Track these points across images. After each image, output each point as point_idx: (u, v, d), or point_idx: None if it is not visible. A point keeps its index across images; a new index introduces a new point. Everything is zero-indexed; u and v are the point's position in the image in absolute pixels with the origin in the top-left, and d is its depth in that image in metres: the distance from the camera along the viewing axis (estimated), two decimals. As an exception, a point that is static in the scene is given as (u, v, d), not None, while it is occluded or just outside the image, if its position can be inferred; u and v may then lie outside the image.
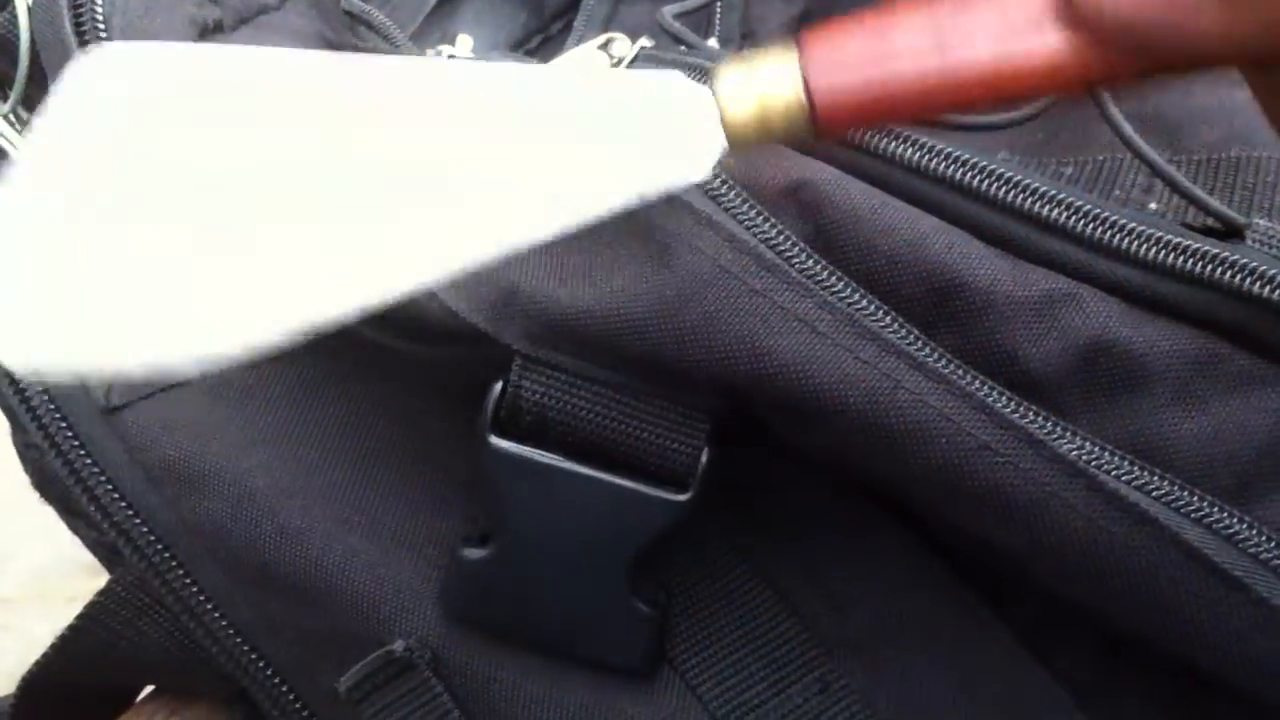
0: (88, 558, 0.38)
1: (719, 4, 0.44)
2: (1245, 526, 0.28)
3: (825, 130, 0.24)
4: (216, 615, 0.33)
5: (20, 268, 0.22)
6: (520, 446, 0.30)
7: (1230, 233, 0.30)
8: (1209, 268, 0.29)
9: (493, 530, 0.31)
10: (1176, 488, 0.28)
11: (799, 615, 0.32)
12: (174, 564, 0.33)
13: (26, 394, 0.33)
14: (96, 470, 0.33)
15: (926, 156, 0.31)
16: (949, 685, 0.31)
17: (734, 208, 0.30)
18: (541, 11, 0.47)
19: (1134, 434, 0.29)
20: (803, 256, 0.29)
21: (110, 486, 0.33)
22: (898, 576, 0.31)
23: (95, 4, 0.32)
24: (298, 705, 0.34)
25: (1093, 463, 0.28)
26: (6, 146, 0.38)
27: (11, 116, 0.38)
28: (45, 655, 0.36)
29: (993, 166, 0.30)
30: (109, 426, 0.33)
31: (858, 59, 0.23)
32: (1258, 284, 0.29)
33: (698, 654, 0.32)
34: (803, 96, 0.23)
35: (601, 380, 0.30)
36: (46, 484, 0.37)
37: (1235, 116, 0.37)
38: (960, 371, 0.28)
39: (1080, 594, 0.28)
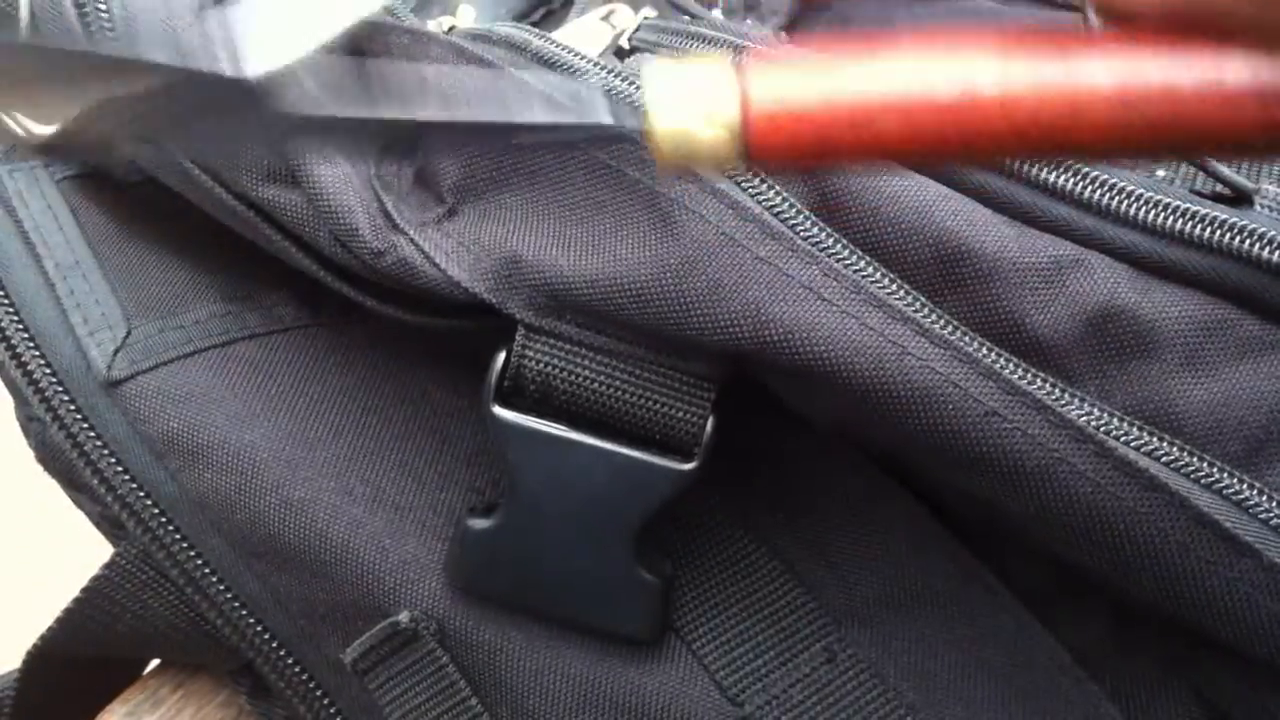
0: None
1: (723, -25, 0.43)
2: (1255, 492, 0.27)
3: (758, 149, 0.21)
4: (221, 588, 0.33)
5: None
6: (525, 417, 0.30)
7: (1239, 198, 0.30)
8: (1218, 233, 0.29)
9: (498, 500, 0.31)
10: (1186, 453, 0.28)
11: (805, 584, 0.31)
12: (178, 537, 0.33)
13: (29, 367, 0.33)
14: (99, 443, 0.33)
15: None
16: (957, 654, 0.31)
17: (738, 175, 0.30)
18: (544, -17, 0.47)
19: (1143, 400, 0.28)
20: (808, 224, 0.29)
21: (113, 459, 0.33)
22: (904, 545, 0.31)
23: (94, -24, 0.32)
24: (303, 677, 0.34)
25: (1101, 428, 0.28)
26: (6, 120, 0.38)
27: (12, 91, 0.38)
28: (50, 629, 0.36)
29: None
30: (111, 399, 0.33)
31: (805, 73, 0.21)
32: (1267, 249, 0.28)
33: (704, 623, 0.32)
34: (736, 112, 0.21)
35: (605, 349, 0.30)
36: (49, 458, 0.37)
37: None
38: (967, 338, 0.28)
39: (1089, 560, 0.28)
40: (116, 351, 0.33)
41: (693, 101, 0.21)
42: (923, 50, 0.21)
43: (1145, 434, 0.28)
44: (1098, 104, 0.20)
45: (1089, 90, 0.20)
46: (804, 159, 0.21)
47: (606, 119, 0.23)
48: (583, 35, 0.37)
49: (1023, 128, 0.20)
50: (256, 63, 0.30)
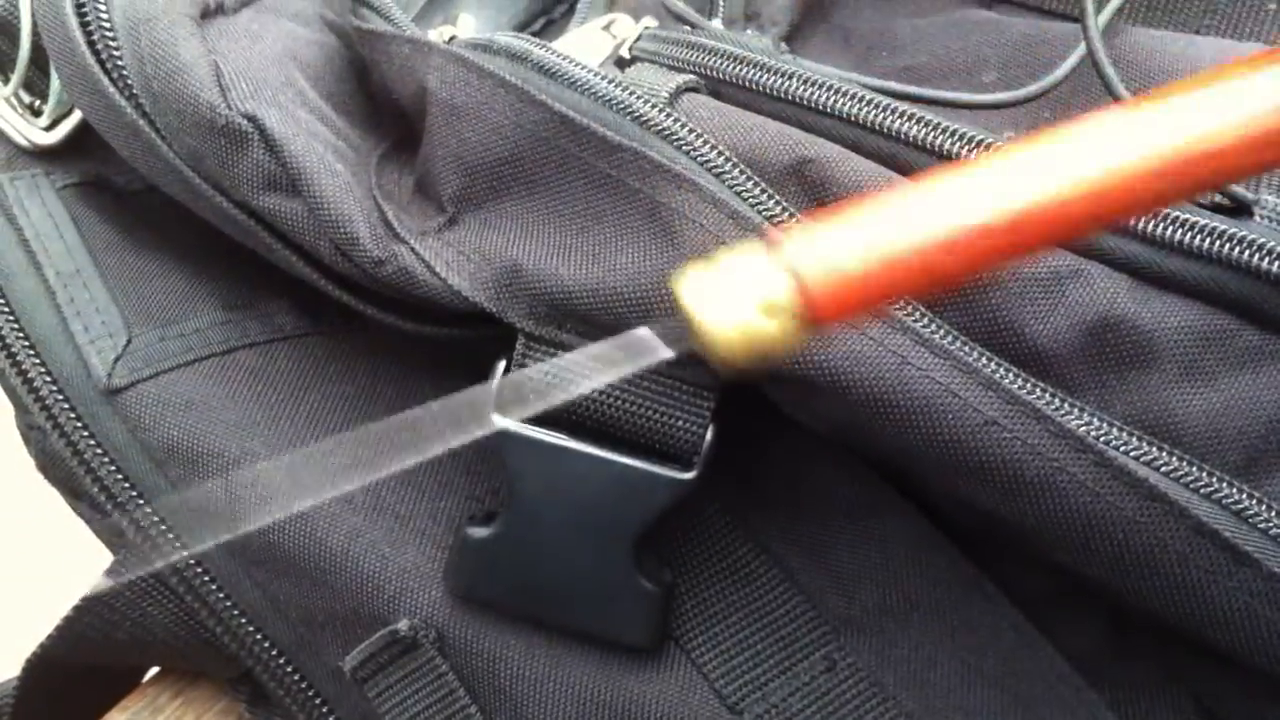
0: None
1: (723, -16, 0.43)
2: (1254, 502, 0.27)
3: (822, 319, 0.21)
4: (221, 596, 0.33)
5: None
6: (524, 425, 0.30)
7: (1239, 209, 0.30)
8: (1218, 244, 0.29)
9: (497, 509, 0.31)
10: (1185, 463, 0.28)
11: (805, 593, 0.31)
12: (177, 544, 0.33)
13: (29, 375, 0.33)
14: (99, 451, 0.33)
15: (933, 133, 0.31)
16: (956, 663, 0.31)
17: (739, 185, 0.30)
18: (544, -7, 0.47)
19: (1142, 410, 0.28)
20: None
21: (113, 467, 0.33)
22: (903, 553, 0.31)
23: (96, -14, 0.32)
24: (303, 685, 0.34)
25: (1101, 438, 0.28)
26: (7, 128, 0.38)
27: (13, 99, 0.38)
28: (50, 637, 0.36)
29: (1000, 143, 0.30)
30: (111, 407, 0.33)
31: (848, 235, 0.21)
32: (1266, 260, 0.28)
33: (703, 632, 0.32)
34: (792, 296, 0.20)
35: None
36: (50, 466, 0.37)
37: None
38: (967, 348, 0.28)
39: (1088, 569, 0.28)
40: (117, 360, 0.33)
41: (745, 301, 0.21)
42: (944, 179, 0.21)
43: (1144, 444, 0.28)
44: (1119, 185, 0.20)
45: (1118, 172, 0.20)
46: (867, 308, 0.21)
47: (666, 352, 0.22)
48: (583, 45, 0.37)
49: (1061, 226, 0.20)
50: (238, 97, 0.31)
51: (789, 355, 0.21)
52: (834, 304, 0.20)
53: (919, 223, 0.20)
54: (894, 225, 0.20)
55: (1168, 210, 0.29)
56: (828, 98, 0.32)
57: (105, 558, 0.36)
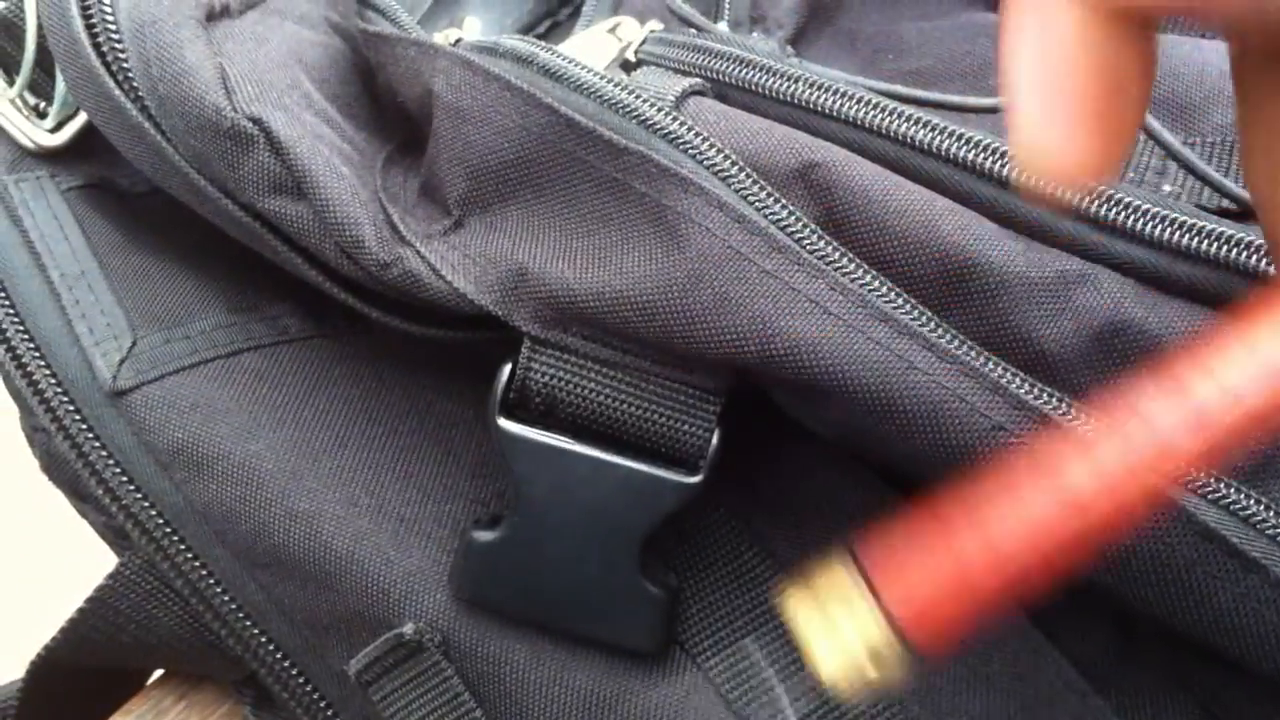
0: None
1: (729, -14, 0.43)
2: (1262, 508, 0.27)
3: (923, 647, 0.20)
4: (225, 598, 0.33)
5: None
6: (530, 429, 0.30)
7: (1245, 214, 0.30)
8: (1224, 249, 0.29)
9: (502, 512, 0.31)
10: (1192, 468, 0.28)
11: (810, 598, 0.31)
12: (182, 547, 0.33)
13: (34, 377, 0.33)
14: (104, 453, 0.33)
15: (939, 138, 0.30)
16: (962, 668, 0.31)
17: (744, 189, 0.30)
18: (549, -5, 0.47)
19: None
20: (814, 238, 0.29)
21: (118, 469, 0.33)
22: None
23: (101, -13, 0.32)
24: (308, 688, 0.34)
25: (1108, 444, 0.27)
26: (12, 130, 0.38)
27: (18, 101, 0.38)
28: (54, 639, 0.36)
29: (1006, 148, 0.30)
30: (116, 409, 0.33)
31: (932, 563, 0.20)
32: (1273, 265, 0.28)
33: (709, 636, 0.32)
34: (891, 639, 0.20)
35: (611, 362, 0.30)
36: (54, 468, 0.37)
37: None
38: (974, 353, 0.28)
39: (1093, 575, 0.28)
40: (122, 362, 0.33)
41: (853, 650, 0.20)
42: (1013, 488, 0.20)
43: (1152, 449, 0.28)
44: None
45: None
46: (963, 624, 0.20)
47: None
48: (589, 48, 0.37)
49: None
50: (244, 100, 0.31)
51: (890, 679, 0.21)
52: (927, 632, 0.20)
53: (987, 542, 0.19)
54: (967, 551, 0.20)
55: (1173, 214, 0.29)
56: (834, 101, 0.32)
57: (110, 560, 0.36)
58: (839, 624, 0.20)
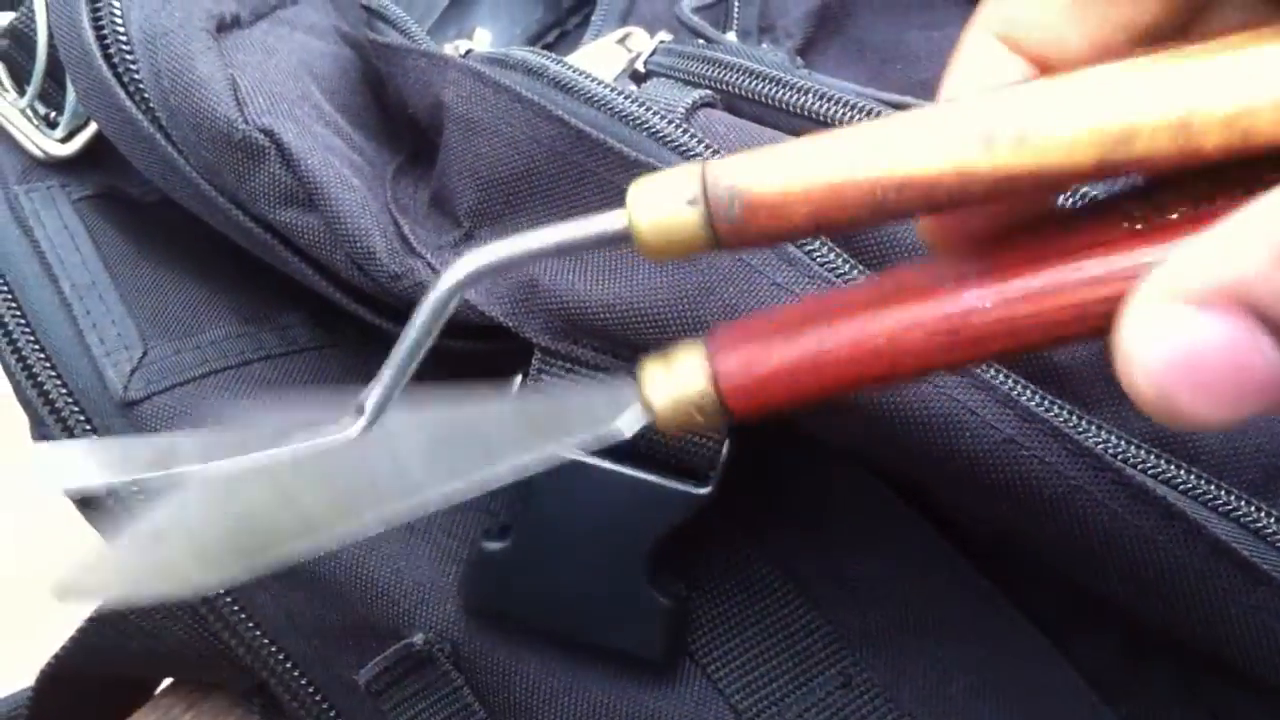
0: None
1: (737, -3, 0.43)
2: (1272, 520, 0.27)
3: (742, 416, 0.22)
4: (235, 608, 0.33)
5: None
6: (540, 440, 0.30)
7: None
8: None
9: (512, 522, 0.31)
10: (1203, 481, 0.28)
11: (821, 609, 0.31)
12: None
13: (45, 387, 0.34)
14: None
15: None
16: (972, 678, 0.31)
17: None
18: (558, 5, 0.47)
19: (1159, 427, 0.28)
20: (824, 249, 0.29)
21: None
22: (918, 569, 0.31)
23: (113, 0, 0.32)
24: (317, 698, 0.34)
25: (1119, 456, 0.28)
26: (23, 140, 0.38)
27: (29, 111, 0.38)
28: (64, 648, 0.36)
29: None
30: (127, 419, 0.33)
31: (763, 341, 0.21)
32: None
33: (719, 647, 0.32)
34: (712, 390, 0.21)
35: (622, 373, 0.30)
36: (65, 477, 0.37)
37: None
38: (984, 365, 0.28)
39: (1105, 587, 0.28)
40: (133, 372, 0.34)
41: (681, 392, 0.22)
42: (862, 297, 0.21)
43: (1163, 461, 0.28)
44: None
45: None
46: (789, 405, 0.21)
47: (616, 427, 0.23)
48: (598, 59, 0.37)
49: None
50: (255, 111, 0.31)
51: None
52: (752, 405, 0.21)
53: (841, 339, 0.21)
54: (819, 336, 0.21)
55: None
56: (843, 113, 0.32)
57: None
58: (676, 374, 0.21)
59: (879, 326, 0.20)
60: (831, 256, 0.29)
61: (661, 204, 0.20)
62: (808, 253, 0.29)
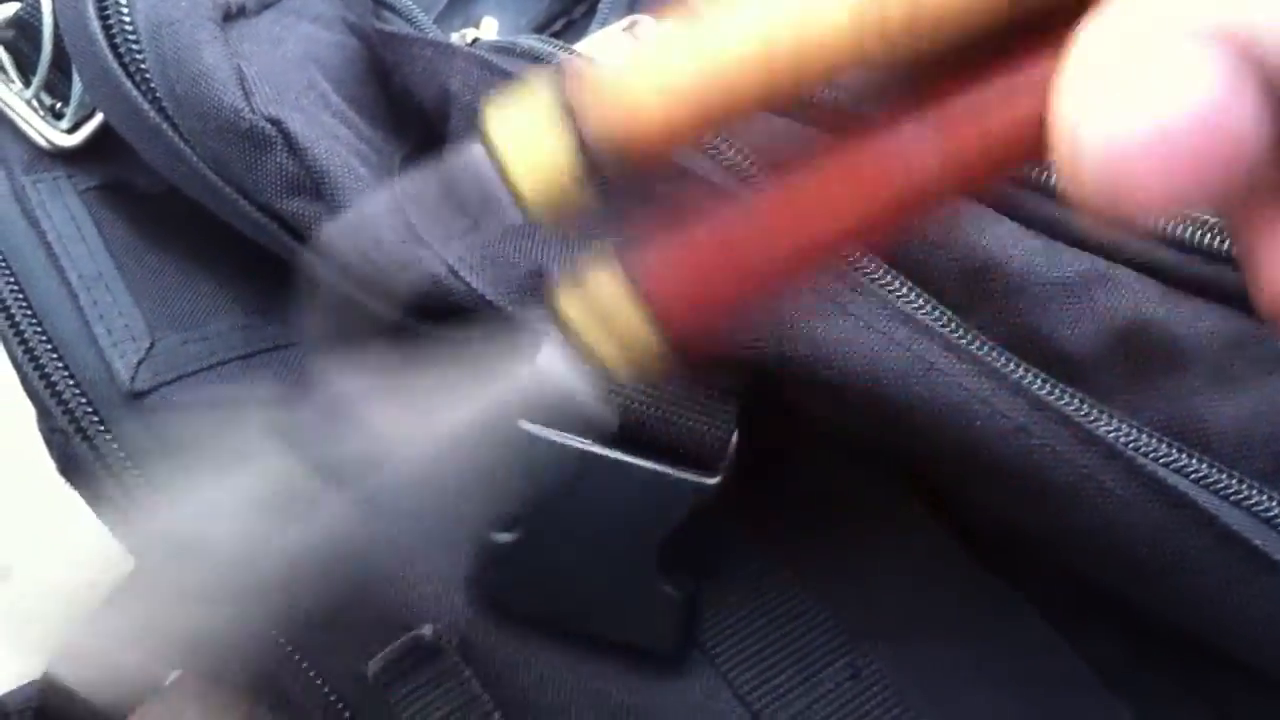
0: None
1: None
2: (1283, 508, 0.27)
3: (679, 336, 0.20)
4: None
5: None
6: (547, 430, 0.30)
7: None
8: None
9: (521, 514, 0.31)
10: (1214, 470, 0.28)
11: (828, 601, 0.31)
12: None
13: (52, 378, 0.33)
14: (122, 455, 0.33)
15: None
16: (978, 671, 0.30)
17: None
18: (565, -6, 0.47)
19: (1171, 415, 0.28)
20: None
21: (136, 471, 0.33)
22: (925, 561, 0.31)
23: (119, -12, 0.32)
24: (325, 690, 0.34)
25: (1130, 445, 0.27)
26: (29, 131, 0.38)
27: (35, 101, 0.38)
28: (72, 639, 0.36)
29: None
30: (134, 410, 0.33)
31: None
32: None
33: (727, 639, 0.31)
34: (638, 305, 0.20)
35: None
36: (72, 469, 0.37)
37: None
38: (995, 353, 0.28)
39: (1114, 578, 0.28)
40: (140, 363, 0.34)
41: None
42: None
43: (1174, 449, 0.28)
44: None
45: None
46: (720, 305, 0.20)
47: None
48: (605, 47, 0.37)
49: None
50: (262, 100, 0.31)
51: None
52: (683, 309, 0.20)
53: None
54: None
55: (1197, 214, 0.29)
56: (848, 95, 0.31)
57: (127, 560, 0.36)
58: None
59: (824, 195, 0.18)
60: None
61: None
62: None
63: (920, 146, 0.17)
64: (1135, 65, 0.14)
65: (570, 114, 0.19)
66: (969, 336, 0.28)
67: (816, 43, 0.17)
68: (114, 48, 0.32)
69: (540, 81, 0.20)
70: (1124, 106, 0.14)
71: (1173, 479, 0.27)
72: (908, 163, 0.18)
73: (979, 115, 0.17)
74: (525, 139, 0.20)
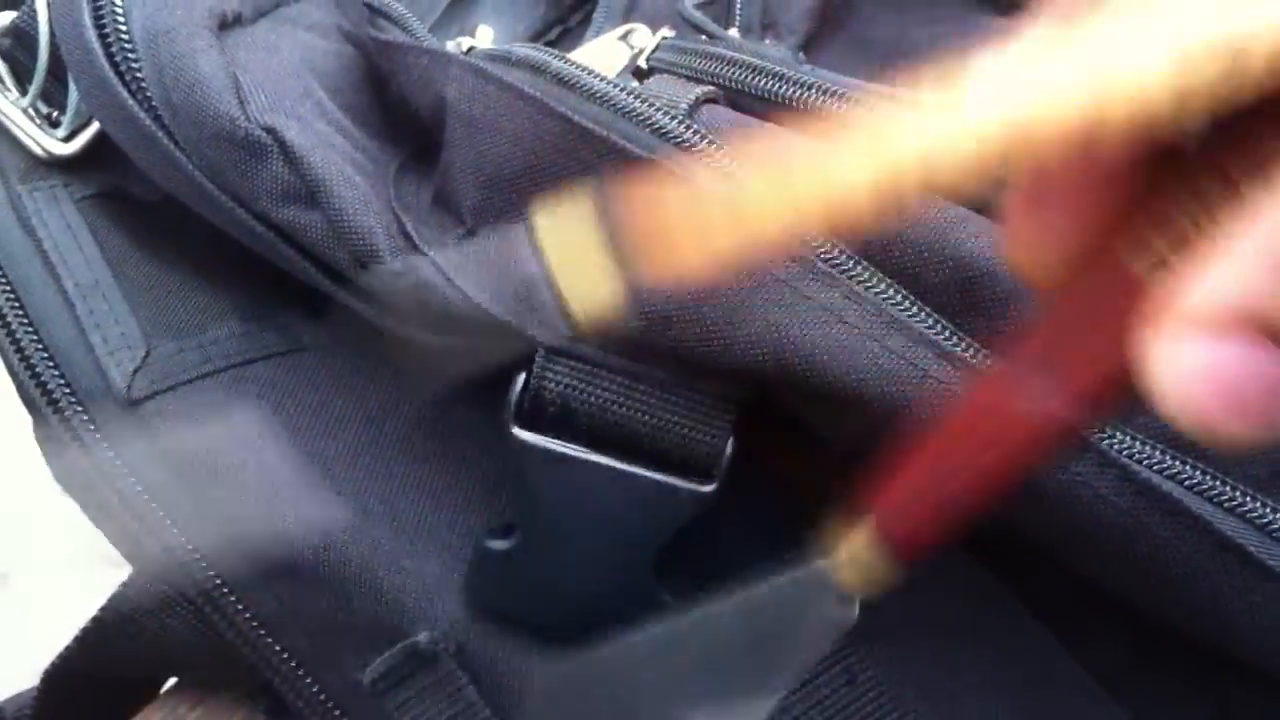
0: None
1: (739, -7, 0.43)
2: (1279, 516, 0.27)
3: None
4: (239, 607, 0.33)
5: None
6: (544, 438, 0.30)
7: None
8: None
9: (517, 521, 0.31)
10: (1209, 477, 0.28)
11: (825, 606, 0.31)
12: (196, 556, 0.33)
13: (48, 387, 0.33)
14: (119, 463, 0.33)
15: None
16: (977, 675, 0.31)
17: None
18: (560, 2, 0.47)
19: (1165, 422, 0.28)
20: (829, 246, 0.29)
21: (132, 479, 0.33)
22: (924, 566, 0.31)
23: (115, -2, 0.32)
24: (321, 697, 0.34)
25: (1125, 452, 0.27)
26: (25, 139, 0.38)
27: (31, 110, 0.38)
28: (68, 647, 0.36)
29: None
30: (131, 418, 0.33)
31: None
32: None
33: (723, 645, 0.32)
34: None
35: (625, 371, 0.30)
36: (68, 477, 0.37)
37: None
38: (989, 361, 0.28)
39: (1112, 583, 0.28)
40: (136, 371, 0.34)
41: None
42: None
43: (1168, 457, 0.28)
44: None
45: None
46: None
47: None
48: (601, 55, 0.37)
49: None
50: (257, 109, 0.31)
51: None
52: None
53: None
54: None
55: None
56: (849, 109, 0.32)
57: (123, 568, 0.36)
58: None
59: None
60: (836, 252, 0.29)
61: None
62: (812, 249, 0.29)
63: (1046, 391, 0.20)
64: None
65: (625, 254, 0.20)
66: (963, 344, 0.28)
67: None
68: (110, 56, 0.32)
69: (600, 202, 0.21)
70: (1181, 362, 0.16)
71: (1167, 486, 0.27)
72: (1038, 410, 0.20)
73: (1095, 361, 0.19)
74: (576, 263, 0.21)
